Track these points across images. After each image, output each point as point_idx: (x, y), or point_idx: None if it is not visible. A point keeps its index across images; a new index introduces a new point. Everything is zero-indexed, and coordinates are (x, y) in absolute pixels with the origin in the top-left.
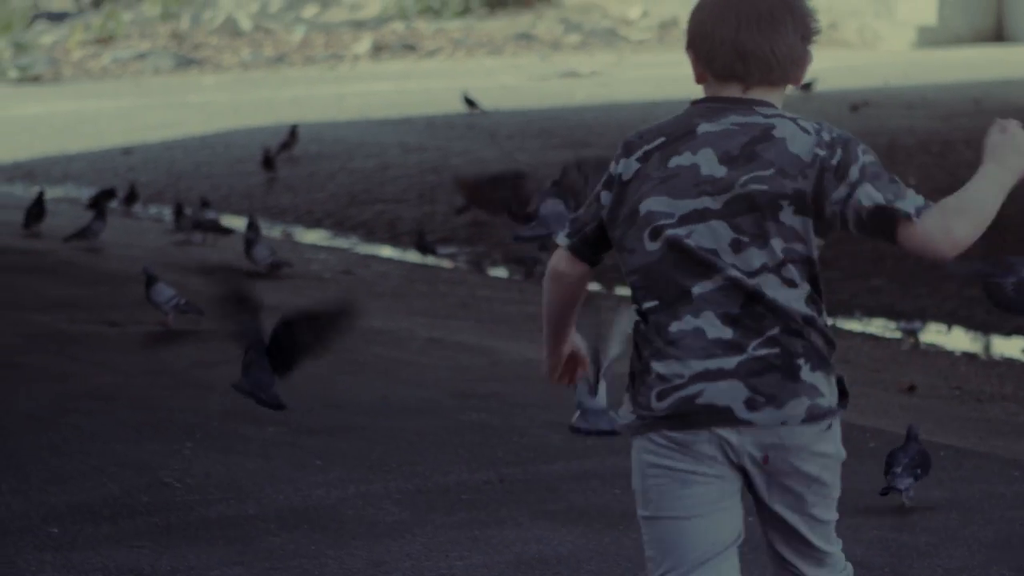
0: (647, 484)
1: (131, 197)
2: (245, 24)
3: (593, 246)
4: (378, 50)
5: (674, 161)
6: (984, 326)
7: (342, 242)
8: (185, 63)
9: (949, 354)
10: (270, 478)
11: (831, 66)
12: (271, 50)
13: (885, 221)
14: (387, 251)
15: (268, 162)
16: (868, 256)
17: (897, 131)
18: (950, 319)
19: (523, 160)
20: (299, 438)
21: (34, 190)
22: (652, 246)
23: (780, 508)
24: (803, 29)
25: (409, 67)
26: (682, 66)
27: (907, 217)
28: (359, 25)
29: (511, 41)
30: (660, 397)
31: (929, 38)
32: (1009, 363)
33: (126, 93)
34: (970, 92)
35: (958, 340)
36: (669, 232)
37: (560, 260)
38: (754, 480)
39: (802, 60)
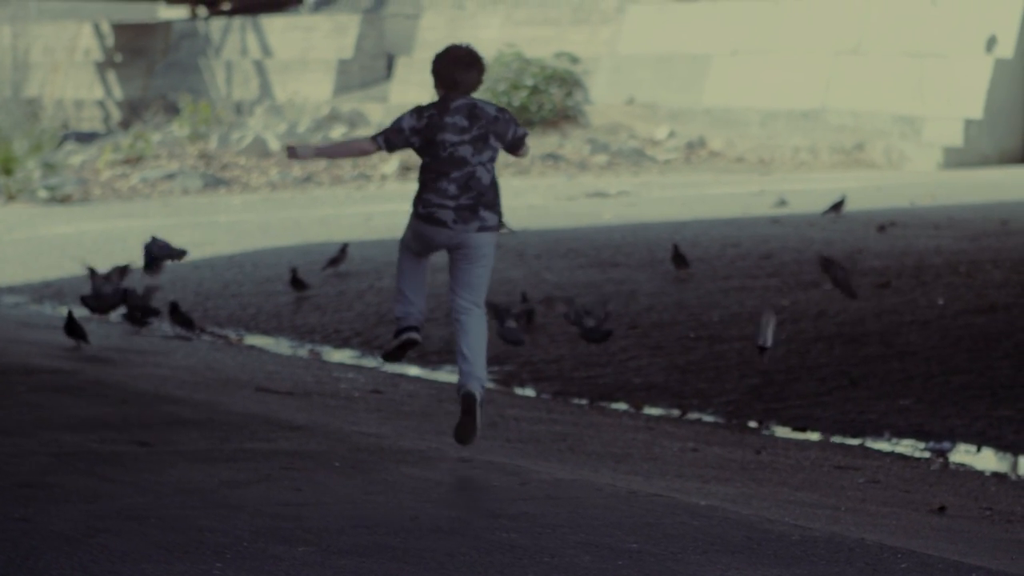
0: (415, 235)
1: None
2: (273, 144)
3: (393, 148)
4: (406, 170)
5: (447, 119)
6: (1013, 446)
7: (370, 361)
8: (214, 183)
9: (979, 474)
10: None
11: (858, 187)
12: (299, 170)
13: (520, 140)
14: (415, 370)
15: (296, 281)
16: (897, 376)
17: (924, 251)
18: (979, 439)
19: (551, 280)
20: (329, 558)
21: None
22: (443, 153)
23: (465, 266)
24: (481, 70)
25: None
26: (709, 186)
27: (525, 135)
28: None
29: (538, 161)
30: (424, 207)
31: (955, 159)
32: None
33: (155, 213)
34: (997, 212)
35: (988, 460)
36: (451, 149)
37: (373, 147)
38: (456, 255)
39: (478, 82)
